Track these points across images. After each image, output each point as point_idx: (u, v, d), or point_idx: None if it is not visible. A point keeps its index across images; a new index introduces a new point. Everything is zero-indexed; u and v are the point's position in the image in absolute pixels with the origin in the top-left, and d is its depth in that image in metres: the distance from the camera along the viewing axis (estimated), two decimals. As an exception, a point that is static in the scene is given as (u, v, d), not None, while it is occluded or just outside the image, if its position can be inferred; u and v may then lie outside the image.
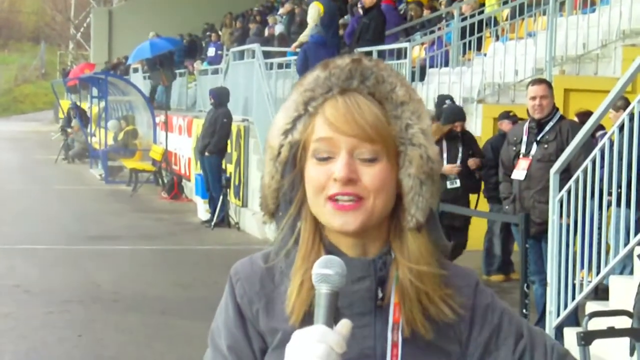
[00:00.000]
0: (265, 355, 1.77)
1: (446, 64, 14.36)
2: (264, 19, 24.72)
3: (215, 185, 14.90)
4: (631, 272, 7.41)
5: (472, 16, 14.67)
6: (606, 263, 6.77)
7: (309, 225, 1.75)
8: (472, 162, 9.56)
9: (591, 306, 6.69)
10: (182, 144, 20.09)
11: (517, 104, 12.34)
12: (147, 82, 25.46)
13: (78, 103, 31.06)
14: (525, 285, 7.32)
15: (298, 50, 16.11)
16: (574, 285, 7.04)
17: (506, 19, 14.57)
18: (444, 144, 9.46)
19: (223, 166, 15.32)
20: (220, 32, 27.35)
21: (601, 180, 6.81)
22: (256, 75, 15.37)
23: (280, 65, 16.82)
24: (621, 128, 6.69)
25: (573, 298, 7.01)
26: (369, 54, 14.44)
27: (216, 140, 14.84)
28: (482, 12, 15.08)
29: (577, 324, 7.04)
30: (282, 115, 1.77)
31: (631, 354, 5.02)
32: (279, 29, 21.26)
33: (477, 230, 10.78)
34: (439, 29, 15.89)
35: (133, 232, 14.23)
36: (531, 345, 1.84)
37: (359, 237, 1.73)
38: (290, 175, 1.76)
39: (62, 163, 26.63)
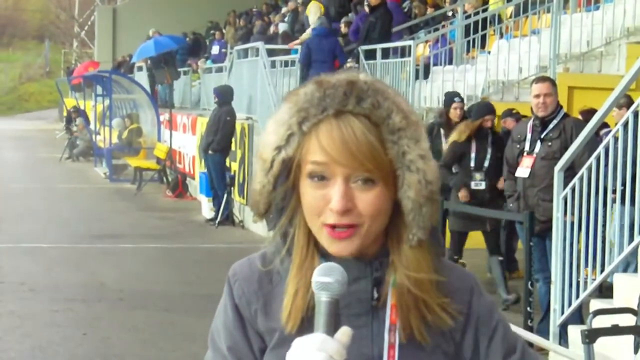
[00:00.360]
0: (264, 355, 1.78)
1: (450, 62, 14.35)
2: (267, 17, 24.73)
3: (220, 183, 14.90)
4: (635, 270, 7.41)
5: (476, 14, 14.67)
6: (610, 261, 6.77)
7: (302, 234, 1.76)
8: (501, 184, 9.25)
9: (595, 304, 6.69)
10: (187, 142, 20.09)
11: (521, 102, 12.33)
12: (146, 80, 25.39)
13: (82, 102, 31.07)
14: (530, 283, 7.33)
15: (297, 47, 16.17)
16: (578, 283, 7.03)
17: (510, 17, 14.55)
18: (473, 144, 9.27)
19: (227, 164, 15.32)
20: (224, 30, 27.35)
21: (605, 177, 6.81)
22: (260, 73, 15.37)
23: (284, 64, 16.81)
24: (625, 125, 6.68)
25: (577, 296, 7.01)
26: (374, 51, 14.48)
27: (220, 139, 14.84)
28: (486, 9, 15.08)
29: (582, 322, 7.04)
30: (275, 131, 1.74)
31: (635, 351, 5.02)
32: (282, 27, 21.26)
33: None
34: (443, 26, 15.90)
35: (137, 231, 14.24)
36: None
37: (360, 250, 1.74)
38: (282, 187, 1.75)
39: (66, 161, 26.65)
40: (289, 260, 1.77)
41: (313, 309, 1.66)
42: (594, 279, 6.94)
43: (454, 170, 9.35)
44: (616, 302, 6.57)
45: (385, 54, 14.63)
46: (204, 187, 15.95)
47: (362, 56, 14.99)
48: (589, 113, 9.66)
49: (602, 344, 5.41)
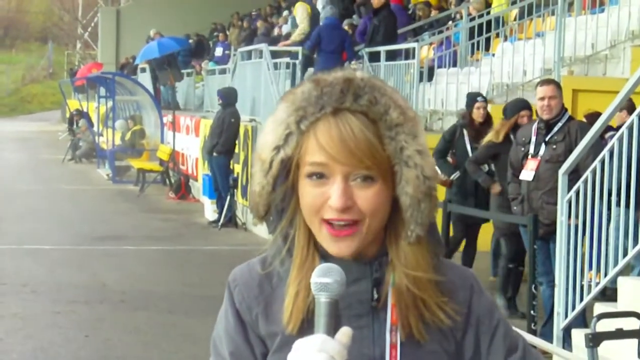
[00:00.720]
0: (266, 359, 1.77)
1: (454, 64, 14.35)
2: (270, 18, 24.73)
3: (224, 185, 14.89)
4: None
5: (480, 16, 14.66)
6: (615, 264, 6.74)
7: (302, 234, 1.76)
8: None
9: (599, 307, 6.67)
10: (190, 144, 20.09)
11: (525, 105, 12.30)
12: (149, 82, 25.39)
13: (85, 103, 31.10)
14: (533, 286, 7.31)
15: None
16: (582, 287, 7.01)
17: (514, 19, 14.54)
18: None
19: (231, 166, 15.31)
20: (227, 32, 27.36)
21: (610, 181, 6.78)
22: (264, 75, 15.36)
23: (288, 65, 16.79)
24: (630, 129, 6.66)
25: (581, 299, 6.98)
26: (378, 53, 14.47)
27: (224, 140, 14.82)
28: (490, 12, 15.06)
29: (585, 326, 7.01)
30: (272, 130, 1.74)
31: (639, 355, 5.00)
32: (286, 29, 21.26)
33: (484, 232, 10.75)
34: (447, 29, 15.88)
35: (140, 232, 14.23)
36: None
37: (361, 249, 1.74)
38: (281, 188, 1.75)
39: (69, 163, 26.67)
40: (290, 261, 1.77)
41: (314, 311, 1.65)
42: (598, 282, 6.91)
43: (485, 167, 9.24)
44: (620, 305, 6.54)
45: (390, 56, 14.62)
46: (207, 189, 15.94)
47: (366, 58, 14.98)
48: (593, 116, 9.64)
49: (606, 348, 5.38)
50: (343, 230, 1.68)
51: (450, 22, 16.82)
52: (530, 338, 6.48)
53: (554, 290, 7.35)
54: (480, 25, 14.13)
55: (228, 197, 14.74)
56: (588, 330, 5.29)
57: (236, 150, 15.43)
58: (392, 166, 1.70)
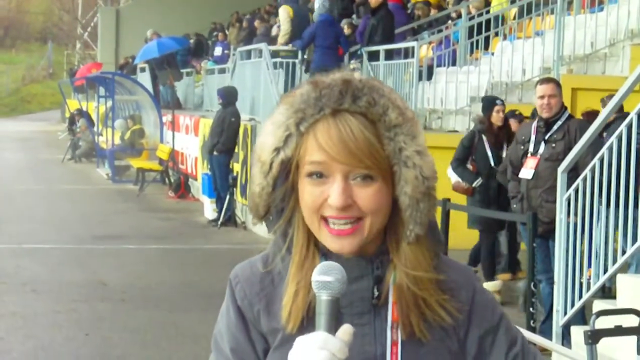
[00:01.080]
0: (267, 356, 1.78)
1: (454, 63, 14.35)
2: (268, 17, 24.71)
3: (224, 184, 14.89)
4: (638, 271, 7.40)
5: (479, 15, 14.66)
6: (614, 262, 6.75)
7: (301, 233, 1.77)
8: None
9: (598, 305, 6.67)
10: (189, 144, 20.09)
11: (524, 103, 12.32)
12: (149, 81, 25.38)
13: (85, 103, 31.08)
14: (533, 283, 7.31)
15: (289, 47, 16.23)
16: (581, 284, 7.02)
17: (514, 18, 14.54)
18: None
19: (230, 166, 15.31)
20: (227, 32, 27.34)
21: (609, 179, 6.79)
22: (263, 74, 15.36)
23: (287, 65, 16.79)
24: (630, 127, 6.66)
25: (580, 296, 6.99)
26: (376, 53, 14.48)
27: (224, 140, 14.83)
28: (489, 11, 15.07)
29: (585, 323, 7.02)
30: (272, 132, 1.75)
31: (638, 352, 5.01)
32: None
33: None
34: (447, 28, 15.89)
35: (140, 232, 14.24)
36: (523, 355, 1.86)
37: (362, 247, 1.75)
38: (281, 189, 1.76)
39: (69, 162, 26.66)
40: (289, 258, 1.78)
41: (314, 309, 1.66)
42: (598, 280, 6.91)
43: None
44: (619, 303, 6.55)
45: (389, 55, 14.62)
46: (207, 188, 15.94)
47: (365, 57, 14.99)
48: (591, 115, 9.65)
49: (605, 345, 5.39)
50: (344, 230, 1.69)
51: (449, 21, 16.83)
52: (530, 335, 6.49)
53: (553, 288, 7.36)
54: (480, 24, 14.14)
55: (227, 196, 14.74)
56: (587, 328, 5.29)
57: (236, 150, 15.43)
58: (391, 167, 1.71)
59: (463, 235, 10.09)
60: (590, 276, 7.01)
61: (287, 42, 16.96)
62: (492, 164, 9.40)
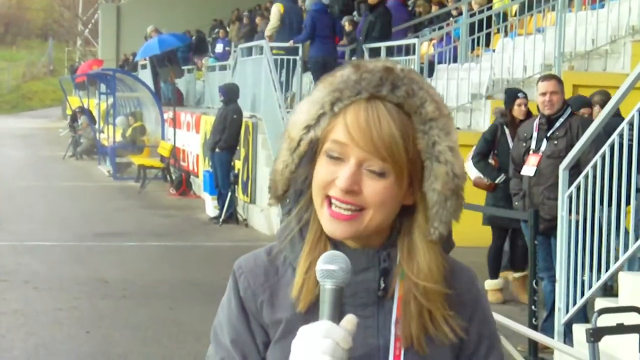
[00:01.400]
0: (268, 349, 1.78)
1: (455, 60, 14.34)
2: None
3: (225, 182, 14.88)
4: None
5: (480, 12, 14.65)
6: (615, 260, 6.74)
7: (317, 219, 1.76)
8: None
9: (600, 303, 6.67)
10: (190, 141, 20.09)
11: (525, 100, 12.30)
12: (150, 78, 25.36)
13: (86, 100, 31.08)
14: (534, 281, 7.31)
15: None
16: (583, 282, 7.01)
17: (515, 15, 14.53)
18: None
19: (233, 163, 15.31)
20: (228, 29, 27.33)
21: (611, 176, 6.78)
22: (264, 71, 15.36)
23: (288, 62, 16.78)
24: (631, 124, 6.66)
25: (582, 294, 6.99)
26: (377, 50, 14.47)
27: (227, 137, 14.82)
28: (490, 7, 15.05)
29: (586, 321, 7.02)
30: (307, 110, 1.76)
31: (641, 350, 5.00)
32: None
33: (486, 227, 10.75)
34: (448, 24, 15.88)
35: (141, 229, 14.24)
36: None
37: (357, 238, 1.74)
38: (305, 169, 1.76)
39: (70, 159, 26.67)
40: (301, 245, 1.77)
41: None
42: (599, 277, 6.91)
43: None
44: (621, 301, 6.54)
45: (390, 52, 14.61)
46: (208, 185, 15.93)
47: (366, 55, 14.98)
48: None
49: (607, 343, 5.39)
50: (342, 214, 1.69)
51: (450, 18, 16.82)
52: (532, 333, 6.50)
53: (555, 286, 7.36)
54: (481, 21, 14.12)
55: (229, 194, 14.74)
56: (589, 326, 5.29)
57: (238, 147, 15.43)
58: (421, 161, 1.71)
59: (466, 233, 10.07)
60: (592, 274, 7.00)
61: (273, 36, 17.05)
62: None
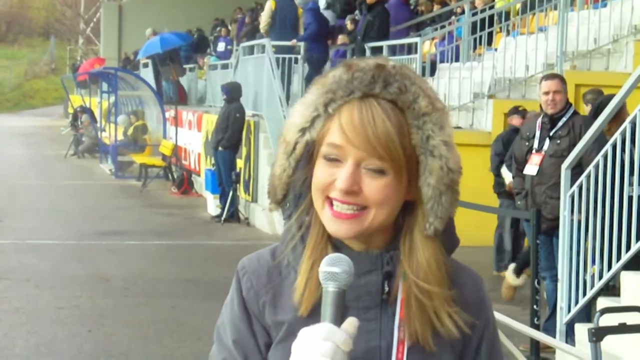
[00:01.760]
0: (270, 350, 1.77)
1: (457, 59, 14.33)
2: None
3: (228, 180, 14.88)
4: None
5: (482, 11, 14.63)
6: (618, 259, 6.73)
7: (318, 218, 1.75)
8: None
9: (602, 302, 6.66)
10: (192, 139, 20.10)
11: (527, 99, 12.31)
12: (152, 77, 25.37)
13: (87, 99, 31.08)
14: (536, 281, 7.30)
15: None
16: (585, 281, 7.00)
17: (517, 14, 14.52)
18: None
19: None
20: (230, 27, 27.32)
21: (612, 175, 6.77)
22: (266, 70, 15.36)
23: (290, 60, 16.78)
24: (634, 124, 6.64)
25: (584, 294, 6.98)
26: (379, 49, 14.46)
27: (229, 135, 14.82)
28: (492, 6, 15.04)
29: (589, 320, 7.01)
30: (301, 112, 1.75)
31: (643, 350, 5.00)
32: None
33: (488, 226, 10.77)
34: (450, 23, 15.87)
35: (143, 227, 14.24)
36: None
37: (360, 237, 1.73)
38: (303, 172, 1.75)
39: (71, 158, 26.67)
40: (302, 248, 1.76)
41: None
42: (601, 277, 6.90)
43: None
44: (623, 300, 6.54)
45: (391, 51, 14.61)
46: (210, 183, 15.93)
47: (368, 54, 14.97)
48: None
49: (609, 343, 5.38)
50: (344, 214, 1.68)
51: (452, 17, 16.81)
52: (534, 333, 6.49)
53: (557, 285, 7.35)
54: (483, 20, 14.11)
55: (230, 192, 14.73)
56: (591, 325, 5.28)
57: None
58: (416, 157, 1.70)
59: (469, 232, 10.07)
60: (594, 273, 6.99)
61: (266, 32, 17.17)
62: None
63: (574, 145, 7.29)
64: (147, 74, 25.88)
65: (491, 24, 14.15)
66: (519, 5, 14.41)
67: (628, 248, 6.63)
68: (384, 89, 1.70)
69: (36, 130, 37.83)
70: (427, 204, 1.71)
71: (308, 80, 15.71)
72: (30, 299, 9.35)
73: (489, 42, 14.47)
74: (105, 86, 26.46)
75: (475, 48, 14.67)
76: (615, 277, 7.11)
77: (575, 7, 13.55)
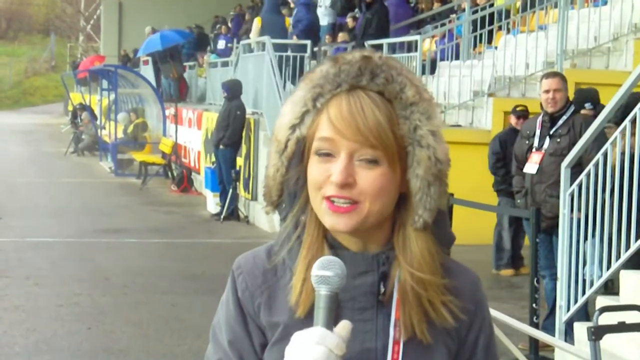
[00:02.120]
0: (265, 351, 1.76)
1: (457, 57, 14.33)
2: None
3: (229, 178, 14.87)
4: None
5: (483, 9, 14.63)
6: (617, 257, 6.73)
7: (314, 218, 1.75)
8: None
9: (601, 301, 6.66)
10: (192, 137, 20.09)
11: (527, 98, 12.31)
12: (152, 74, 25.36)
13: (87, 96, 31.07)
14: (536, 279, 7.30)
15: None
16: (584, 280, 7.00)
17: (517, 12, 14.52)
18: None
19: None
20: (230, 25, 27.29)
21: (612, 174, 6.77)
22: (266, 67, 15.35)
23: (291, 58, 16.78)
24: (633, 122, 6.64)
25: (583, 293, 6.98)
26: (379, 47, 14.45)
27: (230, 133, 14.81)
28: (493, 4, 15.04)
29: (588, 319, 7.01)
30: (290, 110, 1.75)
31: (642, 349, 5.00)
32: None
33: (487, 225, 10.76)
34: (450, 21, 15.88)
35: (142, 225, 14.24)
36: None
37: (357, 234, 1.72)
38: (296, 170, 1.75)
39: (71, 156, 26.67)
40: (298, 248, 1.75)
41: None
42: (600, 276, 6.90)
43: None
44: (622, 299, 6.54)
45: (392, 49, 14.61)
46: (210, 181, 15.93)
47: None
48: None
49: (608, 341, 5.38)
50: (341, 207, 1.67)
51: (452, 15, 16.81)
52: (533, 331, 6.49)
53: (556, 284, 7.35)
54: (483, 18, 14.11)
55: (230, 190, 14.73)
56: (590, 324, 5.28)
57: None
58: (405, 148, 1.69)
59: (468, 231, 10.07)
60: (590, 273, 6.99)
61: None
62: None
63: (574, 143, 7.28)
64: (147, 71, 25.87)
65: (491, 22, 14.14)
66: (519, 3, 14.41)
67: (627, 247, 6.62)
68: (371, 80, 1.70)
69: (36, 128, 37.81)
70: (416, 196, 1.70)
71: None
72: (29, 297, 9.35)
73: (489, 40, 14.47)
74: (105, 84, 26.44)
75: (475, 46, 14.67)
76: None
77: (575, 5, 13.55)
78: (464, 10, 15.91)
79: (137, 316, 8.70)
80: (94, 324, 8.38)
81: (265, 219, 14.11)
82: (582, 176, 6.96)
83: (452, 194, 9.01)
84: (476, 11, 14.73)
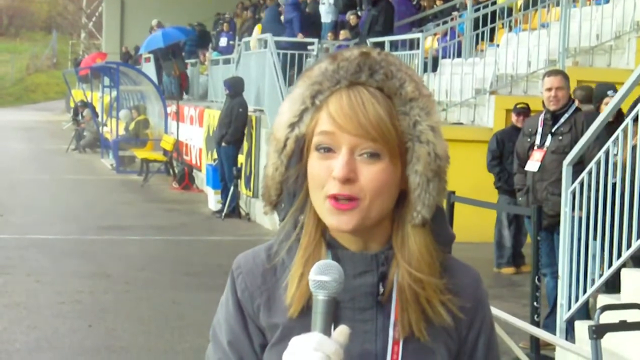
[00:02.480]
0: (265, 351, 1.76)
1: (459, 55, 14.32)
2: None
3: (230, 175, 14.87)
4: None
5: (485, 7, 14.62)
6: (619, 256, 6.72)
7: (313, 217, 1.74)
8: None
9: (603, 299, 6.65)
10: (194, 134, 20.09)
11: (529, 96, 12.30)
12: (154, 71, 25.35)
13: (89, 93, 31.08)
14: (537, 278, 7.29)
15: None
16: (585, 278, 6.99)
17: (519, 10, 14.51)
18: None
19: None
20: (235, 21, 27.28)
21: (614, 172, 6.76)
22: (268, 65, 15.34)
23: (291, 56, 16.77)
24: (635, 120, 6.64)
25: (584, 291, 6.97)
26: (381, 44, 14.45)
27: (233, 131, 14.81)
28: (495, 2, 15.03)
29: (589, 317, 7.00)
30: (289, 108, 1.74)
31: (644, 347, 4.99)
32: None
33: (489, 222, 10.76)
34: (452, 19, 15.87)
35: (144, 222, 14.24)
36: None
37: (358, 233, 1.71)
38: (295, 169, 1.73)
39: (73, 153, 26.67)
40: (297, 247, 1.74)
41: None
42: (602, 274, 6.89)
43: None
44: (624, 297, 6.53)
45: (394, 46, 14.60)
46: (211, 179, 15.93)
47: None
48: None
49: (609, 340, 5.38)
50: (344, 205, 1.66)
51: (454, 13, 16.80)
52: (534, 330, 6.48)
53: (557, 282, 7.34)
54: (485, 16, 14.10)
55: (231, 188, 14.72)
56: (591, 322, 5.28)
57: (244, 140, 15.43)
58: (405, 144, 1.69)
59: (469, 228, 10.07)
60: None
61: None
62: None
63: (575, 141, 7.28)
64: (149, 68, 25.86)
65: (493, 20, 14.13)
66: (521, 1, 14.40)
67: (629, 245, 6.62)
68: (370, 76, 1.69)
69: (37, 125, 37.83)
70: (415, 192, 1.69)
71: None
72: (31, 294, 9.36)
73: (491, 38, 14.46)
74: (107, 81, 26.44)
75: (477, 44, 14.66)
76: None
77: (577, 3, 13.54)
78: (466, 8, 15.90)
79: (138, 313, 8.70)
80: (95, 321, 8.38)
81: (266, 216, 14.11)
82: (584, 174, 6.96)
83: (453, 192, 9.00)
84: (478, 9, 14.71)
